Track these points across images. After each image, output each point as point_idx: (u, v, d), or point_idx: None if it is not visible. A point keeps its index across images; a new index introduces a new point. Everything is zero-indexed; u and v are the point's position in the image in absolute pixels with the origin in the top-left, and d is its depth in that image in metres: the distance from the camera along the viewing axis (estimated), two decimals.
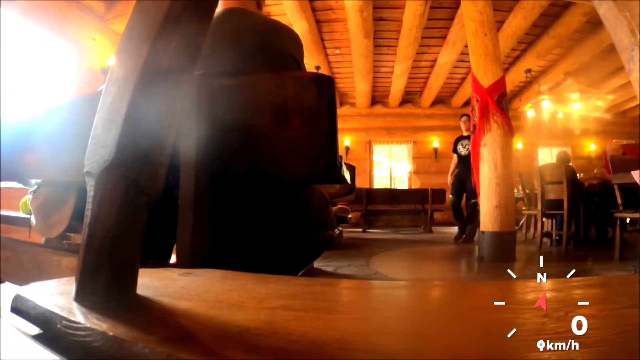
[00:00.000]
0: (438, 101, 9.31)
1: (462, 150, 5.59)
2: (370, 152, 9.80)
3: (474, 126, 4.04)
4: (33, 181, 1.41)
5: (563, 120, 8.93)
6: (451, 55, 6.97)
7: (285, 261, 1.10)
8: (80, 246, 0.51)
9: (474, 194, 4.93)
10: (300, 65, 1.22)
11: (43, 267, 1.12)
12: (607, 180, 4.59)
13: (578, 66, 7.12)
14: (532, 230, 5.32)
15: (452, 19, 6.02)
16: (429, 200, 7.64)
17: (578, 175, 5.01)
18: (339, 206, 4.40)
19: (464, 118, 5.61)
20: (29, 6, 4.22)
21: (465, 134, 5.58)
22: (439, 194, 7.57)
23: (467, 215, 5.59)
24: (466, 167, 5.21)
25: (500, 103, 3.90)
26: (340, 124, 0.96)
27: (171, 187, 0.89)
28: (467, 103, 7.39)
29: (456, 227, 5.84)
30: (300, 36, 1.29)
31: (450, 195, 5.68)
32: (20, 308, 0.49)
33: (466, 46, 4.52)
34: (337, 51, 6.98)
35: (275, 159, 0.94)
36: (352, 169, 3.84)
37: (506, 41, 6.00)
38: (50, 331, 0.44)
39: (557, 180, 4.49)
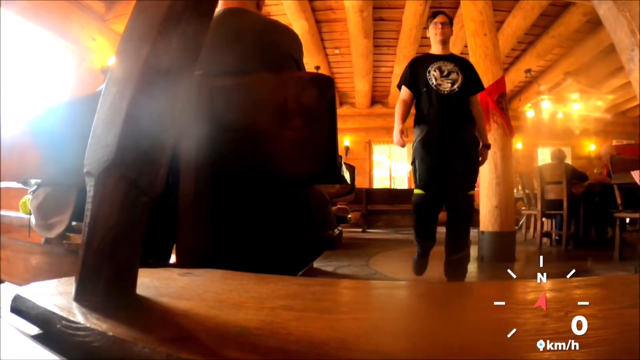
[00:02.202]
0: None
1: (440, 83, 2.43)
2: (370, 152, 9.80)
3: None
4: (33, 181, 1.41)
5: (563, 120, 8.94)
6: None
7: (285, 261, 1.09)
8: (80, 246, 0.51)
9: (470, 183, 2.42)
10: (300, 65, 1.22)
11: (43, 267, 1.12)
12: (604, 181, 4.60)
13: (578, 66, 7.13)
14: (532, 230, 5.32)
15: (451, 19, 6.02)
16: None
17: None
18: (338, 206, 4.40)
19: (439, 18, 2.60)
20: (29, 6, 4.22)
21: (438, 50, 2.57)
22: None
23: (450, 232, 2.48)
24: (454, 118, 2.40)
25: (500, 103, 3.90)
26: (340, 124, 0.96)
27: (171, 187, 0.89)
28: None
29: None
30: (300, 36, 1.29)
31: (418, 190, 2.45)
32: (20, 308, 0.49)
33: (466, 46, 4.52)
34: (337, 51, 6.98)
35: (274, 159, 0.94)
36: (352, 169, 3.84)
37: (506, 41, 6.00)
38: (50, 331, 0.44)
39: (556, 180, 4.50)
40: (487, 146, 2.57)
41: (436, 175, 2.39)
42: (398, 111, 2.52)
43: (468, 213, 2.43)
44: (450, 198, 2.41)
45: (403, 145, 2.47)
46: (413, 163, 2.50)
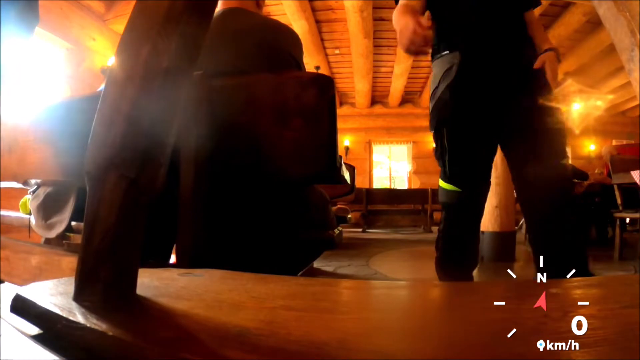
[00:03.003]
0: None
1: None
2: (370, 152, 9.80)
3: None
4: (33, 181, 1.41)
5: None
6: None
7: (285, 261, 1.09)
8: (80, 246, 0.51)
9: (560, 147, 1.38)
10: (299, 65, 1.22)
11: (43, 267, 1.12)
12: (604, 181, 4.60)
13: (578, 66, 7.13)
14: None
15: None
16: (428, 200, 7.64)
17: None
18: (338, 206, 4.40)
19: None
20: None
21: None
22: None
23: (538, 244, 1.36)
24: (506, 35, 1.33)
25: None
26: (340, 124, 0.96)
27: (171, 187, 0.89)
28: None
29: None
30: (300, 36, 1.29)
31: (448, 185, 1.40)
32: (20, 308, 0.49)
33: None
34: (337, 51, 6.98)
35: (274, 159, 0.94)
36: (351, 169, 3.84)
37: None
38: (50, 331, 0.44)
39: None
40: (553, 49, 1.46)
41: (482, 156, 1.38)
42: (396, 17, 1.29)
43: (567, 199, 1.32)
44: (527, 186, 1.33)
45: (425, 44, 1.09)
46: (438, 132, 1.46)
